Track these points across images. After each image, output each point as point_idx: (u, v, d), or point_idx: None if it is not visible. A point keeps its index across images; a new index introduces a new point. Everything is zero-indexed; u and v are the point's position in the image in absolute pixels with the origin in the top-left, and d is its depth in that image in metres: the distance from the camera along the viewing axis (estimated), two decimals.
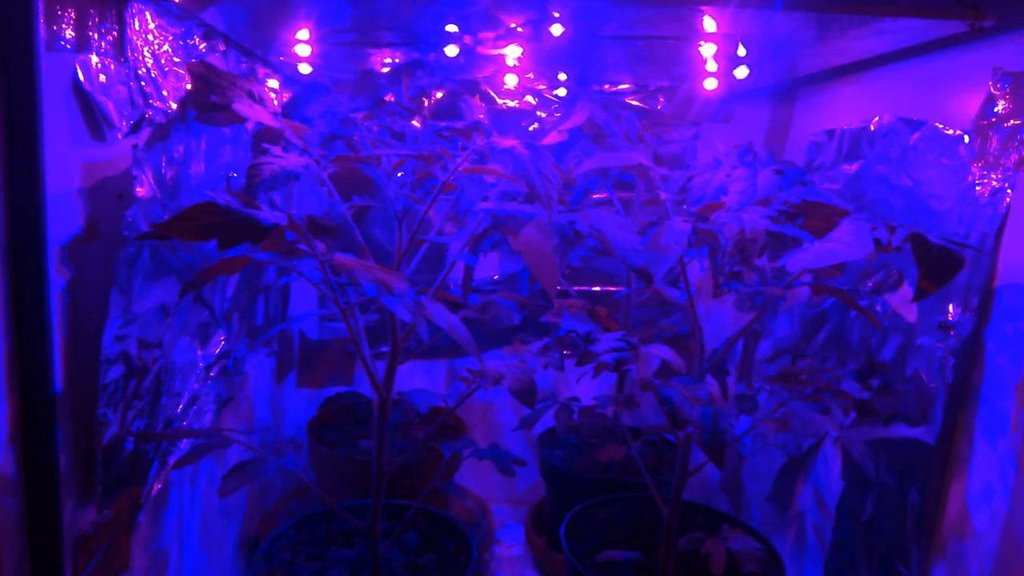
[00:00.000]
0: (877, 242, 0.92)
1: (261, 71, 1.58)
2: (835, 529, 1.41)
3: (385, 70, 1.55)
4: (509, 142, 0.98)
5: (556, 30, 1.07)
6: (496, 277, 1.98)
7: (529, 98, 1.79)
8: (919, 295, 0.88)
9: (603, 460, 1.40)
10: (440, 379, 2.09)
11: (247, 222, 0.80)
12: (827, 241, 0.98)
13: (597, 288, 2.04)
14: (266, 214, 0.83)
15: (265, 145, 1.12)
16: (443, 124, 1.08)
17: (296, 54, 1.40)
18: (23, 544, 0.92)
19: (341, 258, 0.89)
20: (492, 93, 1.59)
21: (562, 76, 1.60)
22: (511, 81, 1.54)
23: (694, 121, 1.86)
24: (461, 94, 1.47)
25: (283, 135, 1.20)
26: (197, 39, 1.24)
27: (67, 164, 0.92)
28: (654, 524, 1.51)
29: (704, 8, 0.99)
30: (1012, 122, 1.01)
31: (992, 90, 1.04)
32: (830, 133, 1.51)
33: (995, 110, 1.04)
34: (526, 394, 1.02)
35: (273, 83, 1.64)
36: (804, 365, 1.37)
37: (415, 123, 1.47)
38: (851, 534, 1.35)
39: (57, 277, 0.91)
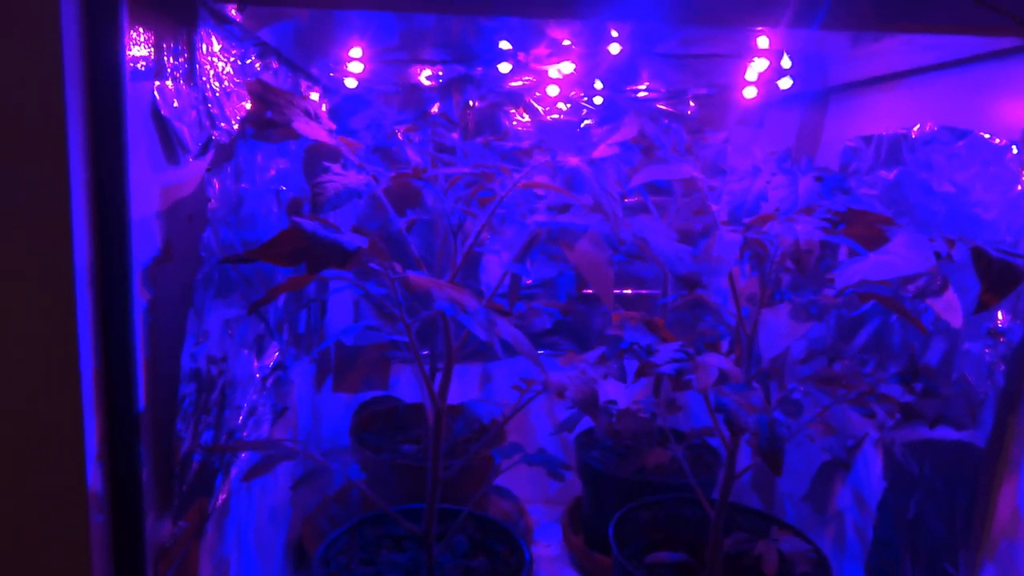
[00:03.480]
0: (937, 255, 0.94)
1: (303, 83, 1.60)
2: (876, 528, 1.44)
3: (426, 81, 1.57)
4: (573, 160, 1.00)
5: (614, 49, 1.10)
6: (529, 282, 2.01)
7: (561, 105, 1.82)
8: (981, 307, 0.90)
9: (650, 464, 1.43)
10: (474, 382, 2.12)
11: (332, 247, 0.83)
12: (884, 253, 1.01)
13: (629, 291, 2.07)
14: (348, 237, 0.86)
15: (326, 163, 1.15)
16: (509, 146, 1.10)
17: (347, 70, 1.43)
18: (109, 557, 0.95)
19: (415, 277, 0.92)
20: (536, 105, 1.62)
21: (598, 84, 1.62)
22: (553, 91, 1.56)
23: (725, 126, 1.88)
24: (502, 106, 1.50)
25: (340, 152, 1.23)
26: (253, 57, 1.26)
27: (147, 189, 0.95)
28: (696, 524, 1.54)
29: (760, 28, 1.02)
30: None
31: None
32: (867, 139, 1.53)
33: None
34: (589, 405, 1.04)
35: (313, 95, 1.67)
36: (841, 368, 1.40)
37: (455, 136, 1.50)
38: (894, 533, 1.38)
39: (140, 299, 0.94)
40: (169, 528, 1.06)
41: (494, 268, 1.56)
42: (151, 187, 0.96)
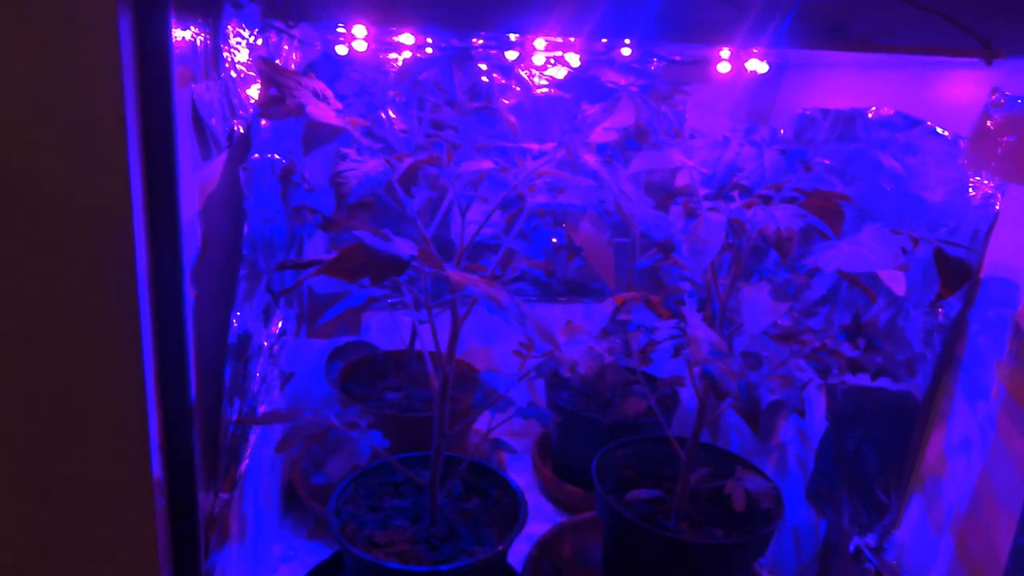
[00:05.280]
0: (903, 250, 1.09)
1: (284, 46, 1.58)
2: (817, 460, 1.66)
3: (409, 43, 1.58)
4: (591, 158, 1.08)
5: (625, 52, 1.16)
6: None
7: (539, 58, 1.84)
8: (939, 299, 1.06)
9: (628, 412, 1.59)
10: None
11: (390, 259, 0.90)
12: (855, 244, 1.15)
13: None
14: (402, 248, 0.92)
15: (343, 150, 1.18)
16: (536, 148, 1.16)
17: (348, 45, 1.43)
18: (168, 533, 1.03)
19: (456, 275, 1.00)
20: (525, 76, 1.65)
21: (575, 58, 1.67)
22: (538, 60, 1.60)
23: (688, 85, 1.97)
24: (489, 73, 1.54)
25: (345, 130, 1.26)
26: (256, 32, 1.25)
27: (190, 189, 0.98)
28: (664, 461, 1.72)
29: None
30: (1005, 138, 1.19)
31: (990, 106, 1.21)
32: (825, 112, 1.67)
33: (991, 124, 1.21)
34: (598, 378, 1.17)
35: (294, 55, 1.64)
36: (791, 320, 1.57)
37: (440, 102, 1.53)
38: (833, 465, 1.60)
39: (189, 297, 0.98)
40: (210, 499, 1.14)
41: (470, 226, 1.62)
42: (192, 187, 0.99)
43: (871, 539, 1.43)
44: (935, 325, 1.30)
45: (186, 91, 0.94)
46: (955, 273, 1.05)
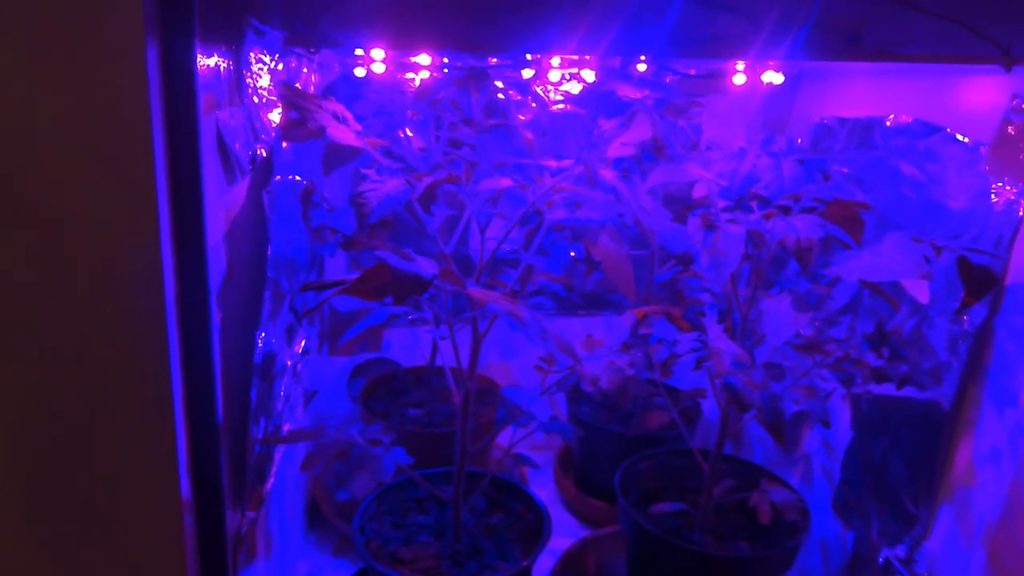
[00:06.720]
0: (926, 259, 1.08)
1: (304, 68, 1.60)
2: (843, 470, 1.64)
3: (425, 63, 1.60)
4: (608, 173, 1.09)
5: (641, 67, 1.17)
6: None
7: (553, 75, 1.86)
8: (963, 307, 1.06)
9: (652, 426, 1.59)
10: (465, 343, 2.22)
11: (412, 278, 0.91)
12: (877, 255, 1.15)
13: None
14: (423, 267, 0.93)
15: (363, 171, 1.20)
16: (554, 165, 1.17)
17: (368, 68, 1.45)
18: (196, 553, 1.04)
19: (477, 292, 1.01)
20: (541, 92, 1.67)
21: (590, 74, 1.68)
22: (554, 76, 1.62)
23: (704, 96, 1.97)
24: (505, 90, 1.55)
25: (364, 150, 1.27)
26: (277, 57, 1.27)
27: (215, 215, 0.99)
28: (686, 473, 1.72)
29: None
30: None
31: (1010, 112, 1.20)
32: (842, 120, 1.66)
33: (1012, 130, 1.20)
34: (620, 393, 1.17)
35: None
36: (813, 330, 1.56)
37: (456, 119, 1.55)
38: (860, 475, 1.59)
39: (215, 319, 1.00)
40: (237, 518, 1.16)
41: (489, 243, 1.64)
42: (217, 211, 1.01)
43: (900, 551, 1.41)
44: (960, 333, 1.29)
45: (211, 117, 0.96)
46: (979, 281, 1.04)
